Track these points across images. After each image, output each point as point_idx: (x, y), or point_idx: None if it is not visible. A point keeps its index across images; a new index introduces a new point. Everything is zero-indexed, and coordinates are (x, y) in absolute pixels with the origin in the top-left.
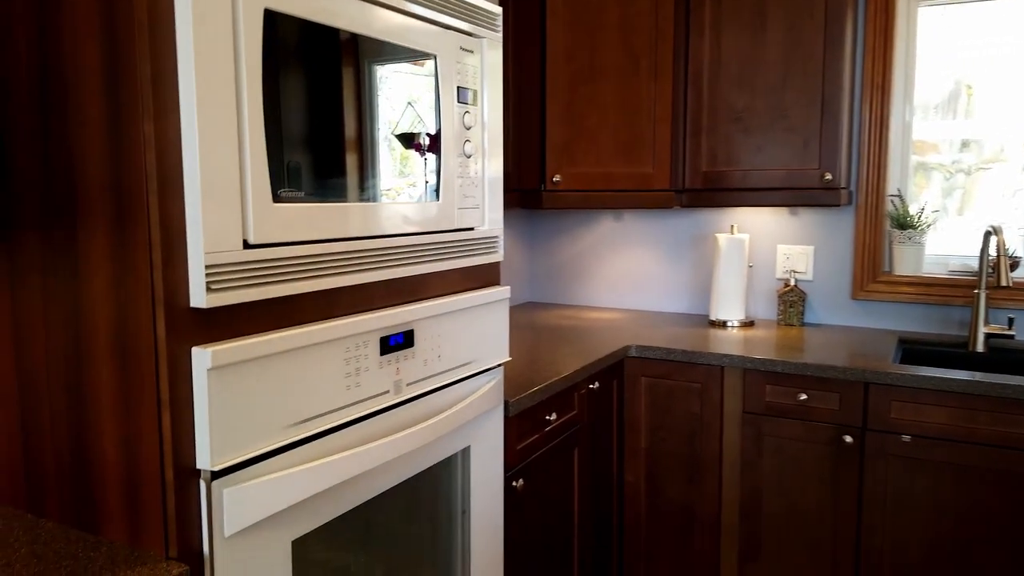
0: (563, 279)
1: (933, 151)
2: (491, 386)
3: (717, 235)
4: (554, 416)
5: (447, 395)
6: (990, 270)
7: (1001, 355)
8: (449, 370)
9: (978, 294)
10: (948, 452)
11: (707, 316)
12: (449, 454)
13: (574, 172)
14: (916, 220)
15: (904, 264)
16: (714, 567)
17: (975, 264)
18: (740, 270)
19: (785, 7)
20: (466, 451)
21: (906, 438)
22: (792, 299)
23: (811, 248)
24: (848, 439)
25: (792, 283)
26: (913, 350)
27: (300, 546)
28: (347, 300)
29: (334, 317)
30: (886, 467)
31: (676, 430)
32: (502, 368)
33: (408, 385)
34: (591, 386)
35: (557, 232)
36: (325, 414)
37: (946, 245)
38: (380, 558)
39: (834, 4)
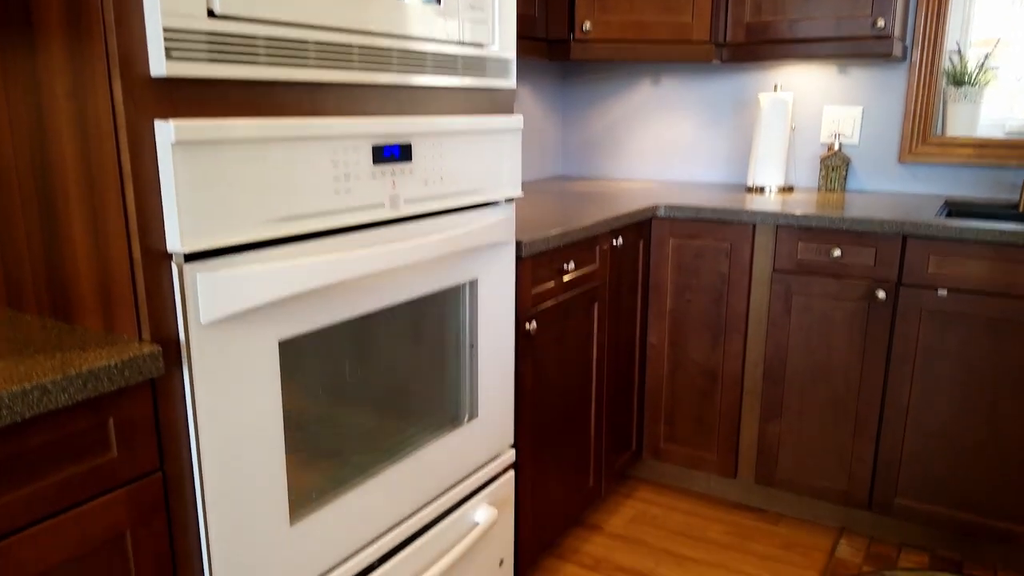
0: (596, 152)
1: None
2: (500, 220)
3: (760, 94)
4: (572, 266)
5: (450, 220)
6: None
7: None
8: (452, 194)
9: None
10: (984, 306)
11: (745, 184)
12: (454, 283)
13: (606, 20)
14: (974, 77)
15: (958, 125)
16: (734, 428)
17: None
18: (782, 132)
19: None
20: (474, 284)
21: (942, 292)
22: (835, 163)
23: (859, 109)
24: (881, 294)
25: (837, 147)
26: (958, 211)
27: (291, 349)
28: (335, 101)
29: (320, 116)
30: (919, 323)
31: (703, 292)
32: (513, 205)
33: (406, 203)
34: (614, 242)
35: (590, 102)
36: (312, 216)
37: (1005, 105)
38: (381, 376)
39: None
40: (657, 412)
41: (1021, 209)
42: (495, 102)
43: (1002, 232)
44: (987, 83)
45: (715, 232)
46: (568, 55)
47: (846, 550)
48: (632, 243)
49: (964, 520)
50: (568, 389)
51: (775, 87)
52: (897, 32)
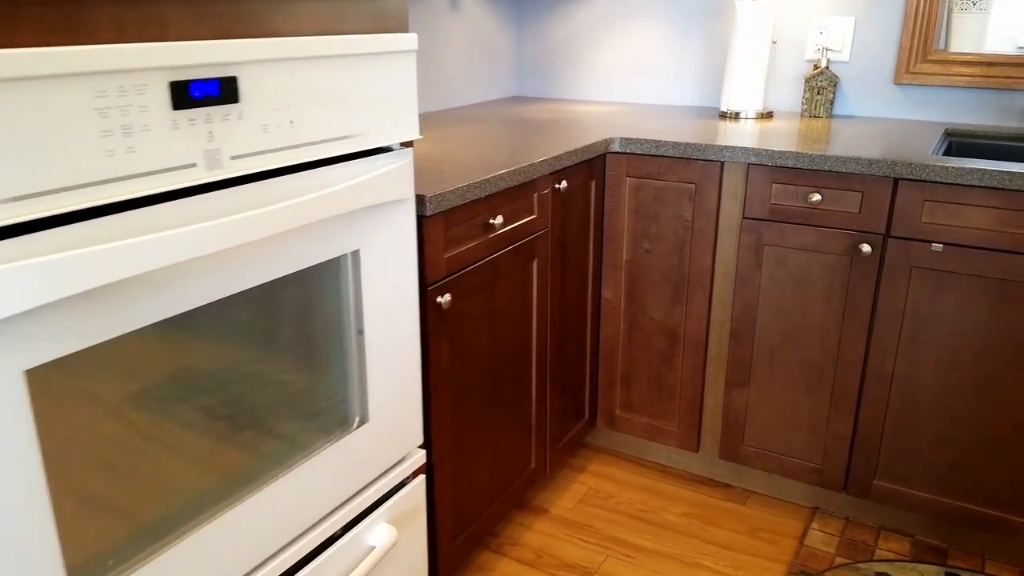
0: (556, 68)
1: None
2: (388, 172)
3: (736, 1)
4: (500, 220)
5: (311, 178)
6: None
7: None
8: (308, 144)
9: None
10: (985, 263)
11: (719, 108)
12: (321, 259)
13: None
14: None
15: (963, 39)
16: (697, 395)
17: None
18: (761, 47)
19: None
20: (356, 256)
21: (937, 247)
22: (821, 84)
23: (851, 20)
24: (866, 248)
25: (824, 64)
26: (961, 144)
27: (58, 373)
28: (109, 19)
29: (84, 42)
30: (908, 282)
31: (663, 240)
32: (410, 151)
33: (233, 159)
34: (557, 186)
35: (550, 8)
36: (62, 190)
37: (1020, 16)
38: (228, 384)
39: None
40: (613, 376)
41: None
42: (378, 16)
43: (1012, 175)
44: None
45: (677, 171)
46: None
47: (818, 536)
48: (582, 184)
49: (950, 506)
50: (501, 363)
51: None
52: None
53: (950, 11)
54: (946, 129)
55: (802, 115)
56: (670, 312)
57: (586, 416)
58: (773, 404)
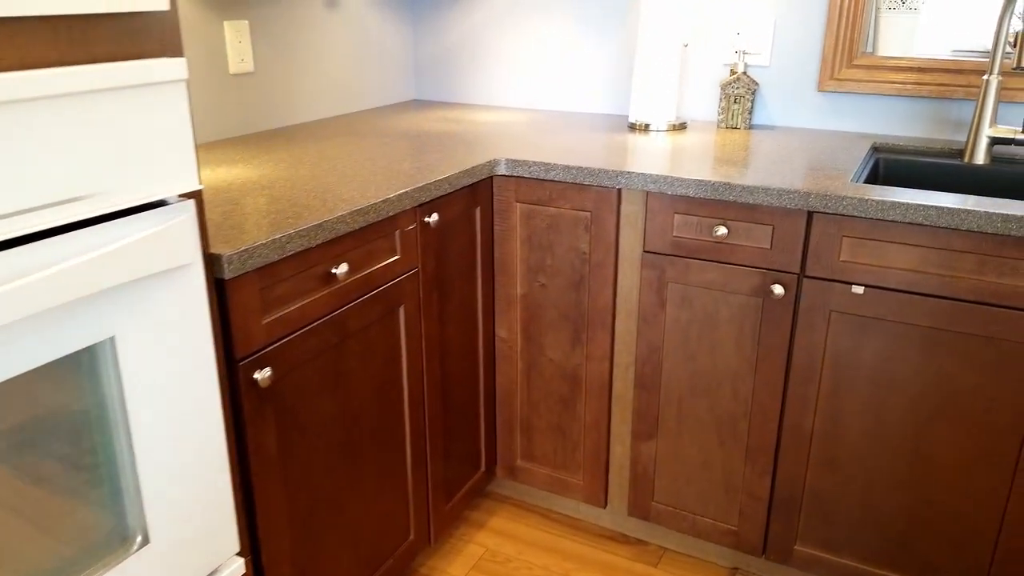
0: (454, 70)
1: None
2: (150, 237)
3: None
4: (345, 268)
5: (33, 255)
6: (1008, 49)
7: (1007, 169)
8: (25, 212)
9: (987, 81)
10: (912, 309)
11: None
12: (53, 358)
13: None
14: None
15: (892, 42)
16: (602, 445)
17: (987, 40)
18: (670, 51)
19: None
20: (112, 344)
21: (858, 289)
22: (738, 92)
23: (771, 20)
24: (778, 289)
25: (740, 69)
26: (888, 162)
27: None
28: None
29: None
30: (827, 327)
31: (560, 274)
32: (191, 206)
33: None
34: (427, 219)
35: (445, 4)
36: None
37: (953, 17)
38: None
39: None
40: (511, 422)
41: (967, 159)
42: (136, 36)
43: (939, 211)
44: None
45: (571, 197)
46: None
47: None
48: (464, 212)
49: (878, 575)
50: (359, 431)
51: None
52: None
53: (877, 10)
54: (874, 144)
55: (719, 126)
56: (570, 353)
57: (483, 468)
58: (684, 458)
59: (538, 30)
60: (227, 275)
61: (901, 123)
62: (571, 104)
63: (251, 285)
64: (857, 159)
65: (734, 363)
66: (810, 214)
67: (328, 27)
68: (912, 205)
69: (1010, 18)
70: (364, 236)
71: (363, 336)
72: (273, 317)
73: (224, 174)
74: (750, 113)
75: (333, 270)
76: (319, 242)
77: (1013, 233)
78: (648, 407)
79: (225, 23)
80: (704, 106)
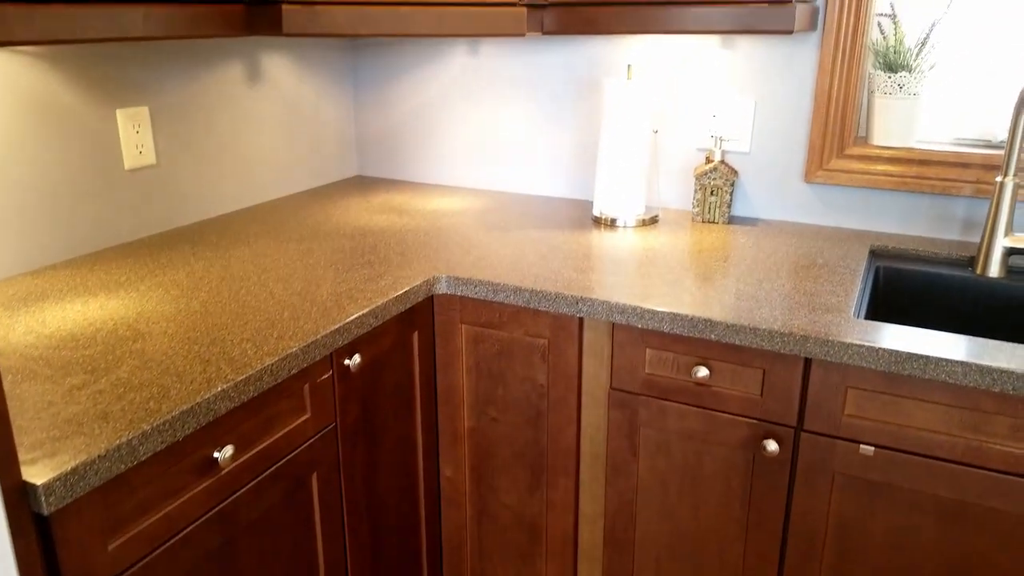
0: (402, 145)
1: None
2: None
3: (605, 81)
4: (231, 451)
5: None
6: None
7: None
8: None
9: (1002, 183)
10: (935, 478)
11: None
12: None
13: None
14: (914, 57)
15: (889, 129)
16: None
17: (1000, 133)
18: (638, 138)
19: None
20: None
21: (867, 450)
22: (716, 183)
23: (750, 101)
24: (771, 446)
25: (717, 157)
26: (890, 273)
27: None
28: None
29: None
30: (830, 491)
31: (513, 408)
32: None
33: None
34: (346, 362)
35: (390, 74)
36: None
37: (955, 101)
38: None
39: None
40: (462, 574)
41: (979, 270)
42: None
43: (965, 368)
44: (931, 67)
45: (525, 321)
46: (279, 26)
47: None
48: (397, 340)
49: None
50: None
51: (628, 70)
52: None
53: (871, 93)
54: (872, 248)
55: (694, 219)
56: (527, 500)
57: None
58: None
59: (494, 109)
60: (47, 510)
61: (900, 220)
62: (530, 186)
63: (89, 510)
64: (856, 272)
65: (721, 525)
66: (807, 361)
67: (252, 105)
68: (933, 359)
69: None
70: (259, 403)
71: (261, 526)
72: (125, 538)
73: (97, 311)
74: (729, 207)
75: (215, 454)
76: (192, 430)
77: None
78: (620, 569)
79: (118, 111)
80: (679, 193)
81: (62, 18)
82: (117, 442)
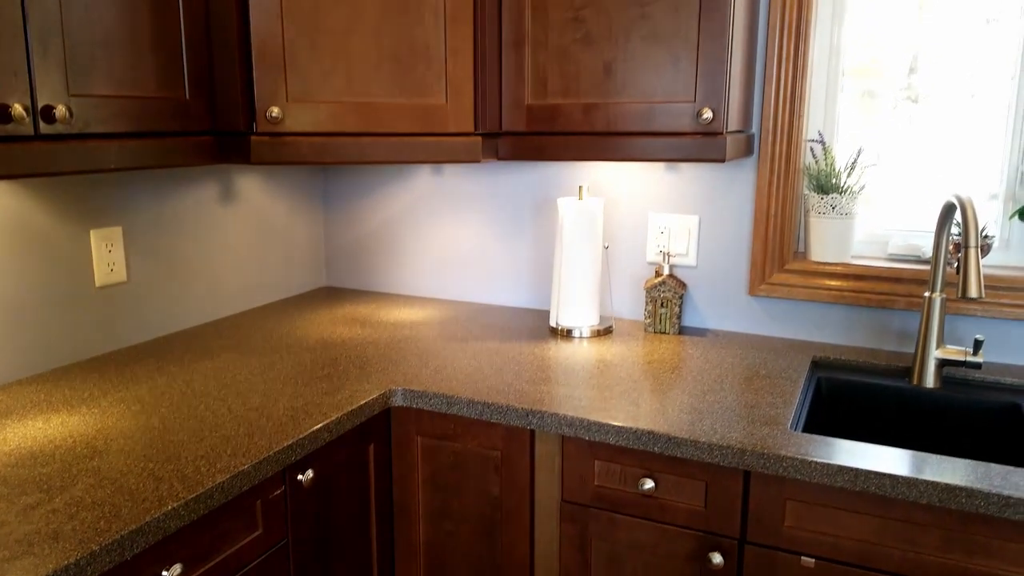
0: (368, 257)
1: (876, 75)
2: None
3: (559, 200)
4: (178, 571)
5: None
6: (950, 258)
7: (961, 397)
8: None
9: (931, 299)
10: None
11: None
12: None
13: (306, 104)
14: (844, 179)
15: (825, 245)
16: None
17: (926, 246)
18: (591, 253)
19: None
20: None
21: (808, 561)
22: (665, 295)
23: (695, 219)
24: (716, 559)
25: (666, 271)
26: (831, 384)
27: None
28: None
29: None
30: None
31: (469, 520)
32: None
33: None
34: (300, 477)
35: (358, 192)
36: None
37: (886, 216)
38: None
39: None
40: None
41: (915, 380)
42: None
43: (894, 481)
44: (861, 189)
45: (478, 434)
46: (248, 155)
47: None
48: (353, 453)
49: None
50: None
51: (580, 190)
52: (731, 123)
53: (806, 212)
54: (814, 359)
55: (646, 330)
56: None
57: None
58: None
59: (457, 224)
60: None
61: (841, 331)
62: (491, 296)
63: None
64: (797, 383)
65: None
66: (747, 474)
67: (225, 222)
68: (862, 472)
69: (948, 233)
70: (210, 520)
71: None
72: None
73: (58, 428)
74: (679, 318)
75: (163, 573)
76: (141, 549)
77: (980, 511)
78: None
79: (92, 232)
80: (631, 304)
81: (40, 154)
82: (65, 563)
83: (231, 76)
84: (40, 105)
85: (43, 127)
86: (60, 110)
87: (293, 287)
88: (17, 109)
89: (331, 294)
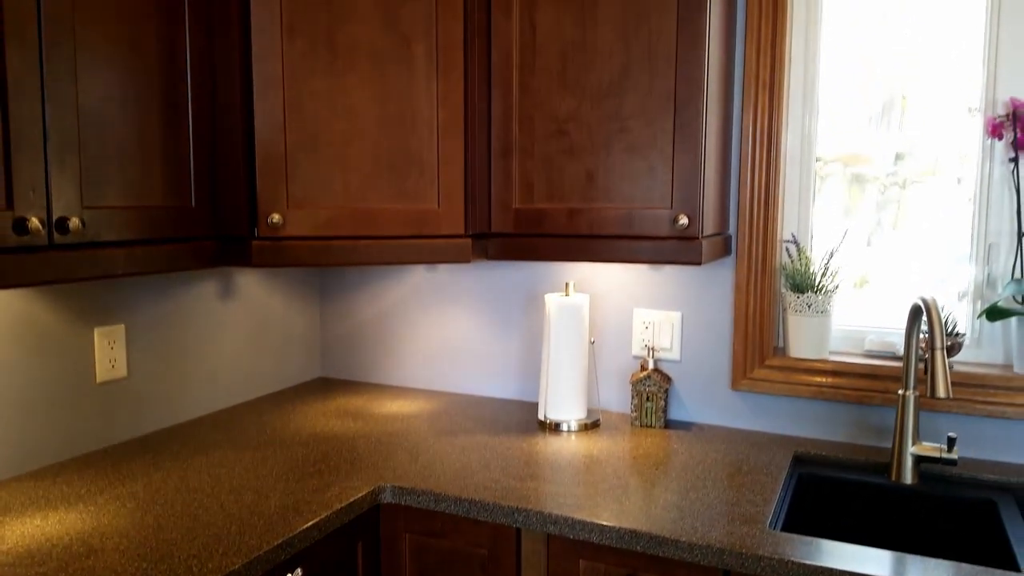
0: (363, 348)
1: (865, 162)
2: None
3: (547, 296)
4: None
5: None
6: (921, 354)
7: (939, 492)
8: None
9: (905, 396)
10: None
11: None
12: None
13: (306, 210)
14: (819, 279)
15: (802, 342)
16: None
17: (900, 344)
18: (578, 348)
19: None
20: None
21: None
22: (650, 390)
23: (677, 315)
24: None
25: (651, 366)
26: (812, 480)
27: None
28: None
29: None
30: None
31: None
32: None
33: None
34: (289, 575)
35: (354, 286)
36: None
37: (861, 313)
38: None
39: None
40: None
41: (893, 476)
42: None
43: None
44: (836, 288)
45: (465, 531)
46: (249, 259)
47: None
48: (342, 550)
49: None
50: None
51: (567, 286)
52: (707, 227)
53: (784, 310)
54: (796, 453)
55: (633, 424)
56: None
57: None
58: None
59: (448, 317)
60: None
61: (821, 426)
62: (481, 389)
63: None
64: (778, 479)
65: None
66: (726, 573)
67: (223, 317)
68: (838, 572)
69: (917, 333)
70: None
71: None
72: None
73: (55, 525)
74: (664, 411)
75: None
76: None
77: None
78: None
79: (96, 330)
80: (618, 397)
81: (53, 263)
82: None
83: (234, 183)
84: (55, 217)
85: (57, 237)
86: (74, 222)
87: (289, 378)
88: (34, 222)
89: (325, 385)
